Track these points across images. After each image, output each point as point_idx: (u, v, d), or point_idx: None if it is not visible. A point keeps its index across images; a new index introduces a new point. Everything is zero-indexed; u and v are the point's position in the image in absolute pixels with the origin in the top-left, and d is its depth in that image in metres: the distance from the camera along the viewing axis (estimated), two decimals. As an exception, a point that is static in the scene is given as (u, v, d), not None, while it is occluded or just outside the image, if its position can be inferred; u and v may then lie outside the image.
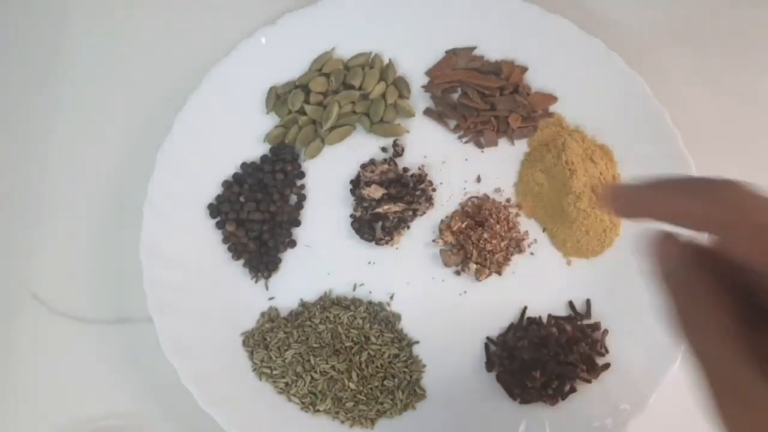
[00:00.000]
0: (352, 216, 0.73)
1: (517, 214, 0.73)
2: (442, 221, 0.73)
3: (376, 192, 0.72)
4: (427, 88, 0.76)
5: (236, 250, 0.72)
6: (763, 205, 0.30)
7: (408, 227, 0.73)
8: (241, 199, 0.72)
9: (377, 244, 0.72)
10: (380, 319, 0.70)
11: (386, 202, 0.72)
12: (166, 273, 0.69)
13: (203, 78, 0.72)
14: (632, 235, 0.71)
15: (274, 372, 0.68)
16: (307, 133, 0.75)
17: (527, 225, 0.73)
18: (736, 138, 0.76)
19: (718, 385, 0.30)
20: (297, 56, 0.76)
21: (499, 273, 0.71)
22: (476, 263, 0.71)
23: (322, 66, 0.76)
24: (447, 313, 0.71)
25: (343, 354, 0.68)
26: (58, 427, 0.70)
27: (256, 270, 0.72)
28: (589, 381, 0.67)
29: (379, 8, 0.75)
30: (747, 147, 0.76)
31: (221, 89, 0.73)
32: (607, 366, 0.68)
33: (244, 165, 0.74)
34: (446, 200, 0.74)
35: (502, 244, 0.71)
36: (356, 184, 0.73)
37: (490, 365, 0.69)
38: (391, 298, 0.71)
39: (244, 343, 0.70)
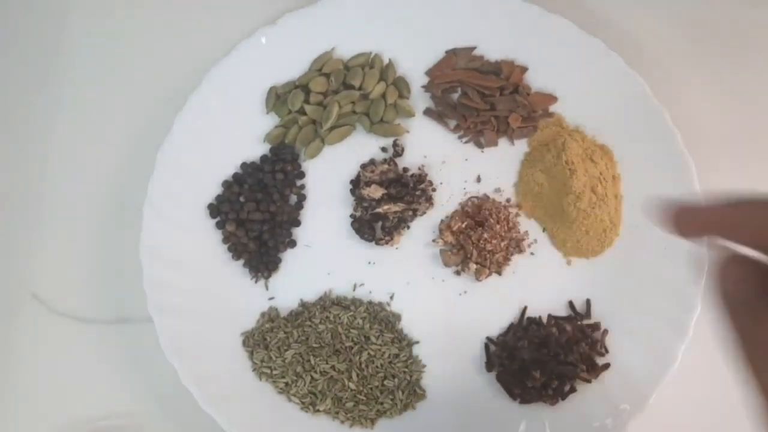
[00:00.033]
0: (352, 216, 0.73)
1: (517, 214, 0.73)
2: (442, 221, 0.73)
3: (376, 192, 0.72)
4: (427, 88, 0.76)
5: (236, 250, 0.72)
6: None
7: (408, 227, 0.73)
8: (241, 199, 0.72)
9: (377, 244, 0.72)
10: (380, 319, 0.70)
11: (386, 202, 0.72)
12: (166, 273, 0.69)
13: (203, 78, 0.72)
14: (632, 235, 0.71)
15: (274, 372, 0.68)
16: (307, 133, 0.75)
17: (527, 225, 0.73)
18: (736, 138, 0.76)
19: None
20: (297, 56, 0.76)
21: (499, 273, 0.71)
22: (476, 263, 0.71)
23: (322, 66, 0.76)
24: (447, 313, 0.71)
25: (343, 354, 0.68)
26: (58, 427, 0.70)
27: (256, 270, 0.72)
28: (589, 381, 0.67)
29: (379, 8, 0.75)
30: (747, 147, 0.76)
31: (221, 89, 0.73)
32: (607, 366, 0.68)
33: (244, 165, 0.74)
34: (446, 200, 0.74)
35: (502, 244, 0.71)
36: (356, 184, 0.73)
37: (490, 365, 0.69)
38: (391, 298, 0.71)
39: (244, 343, 0.70)
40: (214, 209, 0.72)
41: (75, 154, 0.77)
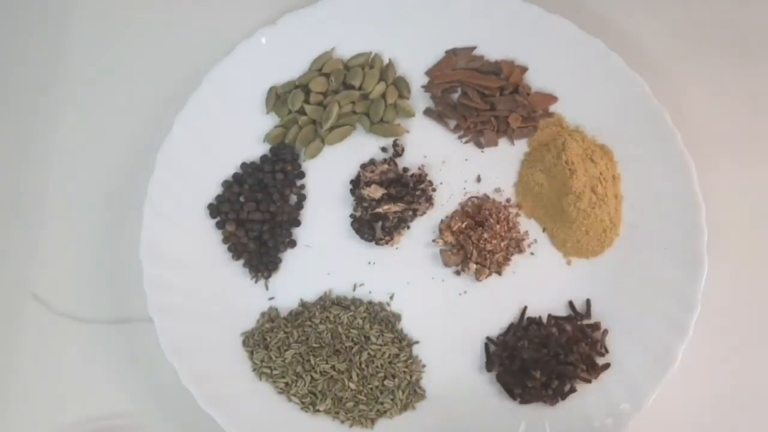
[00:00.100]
0: (352, 216, 0.73)
1: (517, 214, 0.73)
2: (442, 221, 0.73)
3: (376, 192, 0.72)
4: (427, 88, 0.76)
5: (236, 250, 0.72)
6: None
7: (408, 227, 0.73)
8: (241, 199, 0.72)
9: (377, 244, 0.72)
10: (380, 319, 0.70)
11: (386, 202, 0.72)
12: (166, 273, 0.69)
13: (203, 78, 0.73)
14: (632, 235, 0.71)
15: (274, 372, 0.68)
16: (307, 133, 0.75)
17: (527, 225, 0.73)
18: (736, 138, 0.76)
19: None
20: (297, 56, 0.76)
21: (499, 273, 0.71)
22: (476, 263, 0.71)
23: (322, 66, 0.76)
24: (447, 313, 0.71)
25: (343, 354, 0.68)
26: (58, 427, 0.70)
27: (256, 270, 0.72)
28: (589, 381, 0.67)
29: (379, 8, 0.75)
30: (747, 147, 0.76)
31: (221, 89, 0.73)
32: (607, 366, 0.68)
33: (244, 165, 0.74)
34: (446, 200, 0.74)
35: (502, 244, 0.71)
36: (356, 184, 0.73)
37: (490, 365, 0.69)
38: (391, 298, 0.71)
39: (244, 343, 0.70)
40: (214, 209, 0.72)
41: (75, 154, 0.77)
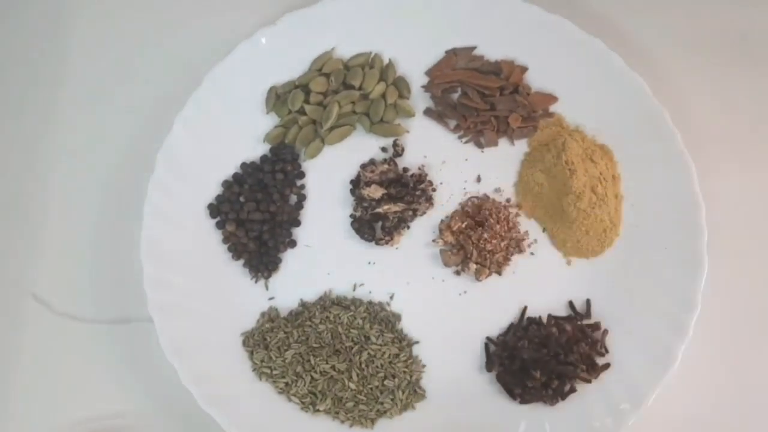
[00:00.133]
0: (352, 216, 0.73)
1: (517, 214, 0.73)
2: (442, 221, 0.73)
3: (376, 192, 0.72)
4: (427, 88, 0.76)
5: (236, 250, 0.72)
6: None
7: (408, 227, 0.73)
8: (241, 199, 0.72)
9: (377, 244, 0.72)
10: (380, 319, 0.70)
11: (386, 202, 0.72)
12: (166, 273, 0.69)
13: (203, 78, 0.73)
14: (632, 235, 0.71)
15: (274, 372, 0.68)
16: (307, 133, 0.75)
17: (527, 225, 0.73)
18: (736, 138, 0.76)
19: None
20: (297, 56, 0.76)
21: (499, 273, 0.71)
22: (476, 263, 0.71)
23: (322, 66, 0.76)
24: (447, 313, 0.71)
25: (343, 354, 0.68)
26: (58, 427, 0.70)
27: (256, 270, 0.72)
28: (589, 381, 0.67)
29: (379, 8, 0.75)
30: (747, 147, 0.76)
31: (221, 89, 0.73)
32: (607, 366, 0.68)
33: (244, 165, 0.74)
34: (446, 200, 0.74)
35: (502, 244, 0.71)
36: (356, 184, 0.73)
37: (490, 365, 0.69)
38: (391, 298, 0.71)
39: (244, 343, 0.70)
40: (214, 209, 0.72)
41: (75, 154, 0.77)
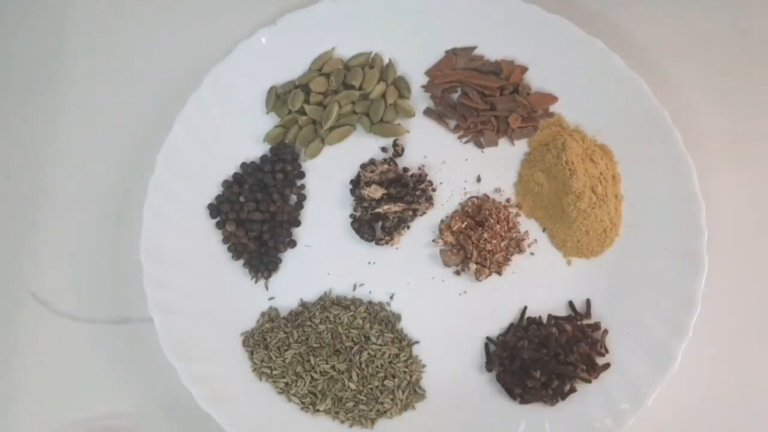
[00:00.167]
0: (352, 216, 0.73)
1: (517, 214, 0.73)
2: (442, 221, 0.73)
3: (376, 192, 0.72)
4: (427, 88, 0.76)
5: (236, 250, 0.72)
6: None
7: (408, 227, 0.73)
8: (241, 199, 0.72)
9: (377, 244, 0.72)
10: (380, 319, 0.70)
11: (386, 202, 0.72)
12: (166, 273, 0.69)
13: (203, 78, 0.73)
14: (632, 235, 0.71)
15: (274, 372, 0.68)
16: (307, 133, 0.75)
17: (527, 225, 0.73)
18: (736, 138, 0.76)
19: None
20: (297, 56, 0.76)
21: (499, 273, 0.71)
22: (476, 263, 0.71)
23: (322, 66, 0.76)
24: (447, 313, 0.71)
25: (343, 354, 0.68)
26: (58, 427, 0.70)
27: (256, 270, 0.72)
28: (589, 381, 0.67)
29: (379, 8, 0.75)
30: (747, 147, 0.76)
31: (221, 89, 0.73)
32: (607, 366, 0.68)
33: (244, 165, 0.74)
34: (446, 200, 0.74)
35: (502, 244, 0.71)
36: (356, 184, 0.73)
37: (490, 365, 0.69)
38: (391, 298, 0.71)
39: (244, 343, 0.70)
40: (214, 209, 0.72)
41: (75, 154, 0.77)
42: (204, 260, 0.71)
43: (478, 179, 0.74)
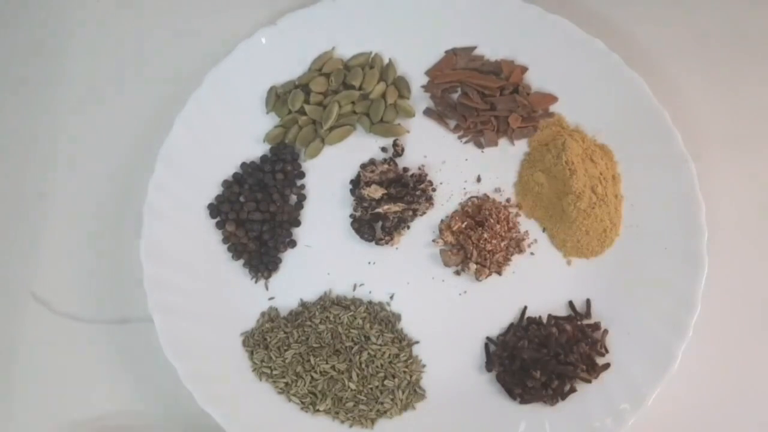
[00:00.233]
0: (352, 216, 0.73)
1: (517, 214, 0.73)
2: (442, 221, 0.73)
3: (376, 192, 0.72)
4: (427, 88, 0.76)
5: (236, 250, 0.72)
6: None
7: (408, 227, 0.73)
8: (241, 199, 0.72)
9: (377, 244, 0.72)
10: (380, 319, 0.70)
11: (386, 202, 0.72)
12: (166, 273, 0.69)
13: (203, 78, 0.73)
14: (632, 235, 0.71)
15: (274, 372, 0.68)
16: (307, 133, 0.75)
17: (527, 225, 0.73)
18: (736, 138, 0.76)
19: None
20: (297, 56, 0.76)
21: (499, 273, 0.71)
22: (476, 263, 0.71)
23: (322, 66, 0.76)
24: (447, 313, 0.71)
25: (343, 354, 0.68)
26: (58, 427, 0.70)
27: (256, 270, 0.72)
28: (589, 381, 0.67)
29: (379, 8, 0.75)
30: (747, 147, 0.76)
31: (221, 89, 0.73)
32: (607, 366, 0.68)
33: (244, 165, 0.74)
34: (446, 200, 0.74)
35: (502, 244, 0.71)
36: (356, 184, 0.73)
37: (490, 365, 0.69)
38: (391, 298, 0.71)
39: (244, 343, 0.70)
40: (214, 209, 0.72)
41: (75, 154, 0.77)
42: (204, 260, 0.71)
43: (478, 179, 0.74)
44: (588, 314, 0.70)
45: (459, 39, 0.76)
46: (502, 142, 0.75)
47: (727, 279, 0.71)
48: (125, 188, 0.75)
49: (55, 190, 0.76)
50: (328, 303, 0.71)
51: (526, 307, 0.71)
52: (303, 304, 0.71)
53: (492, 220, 0.71)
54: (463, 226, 0.72)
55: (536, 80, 0.75)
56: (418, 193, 0.72)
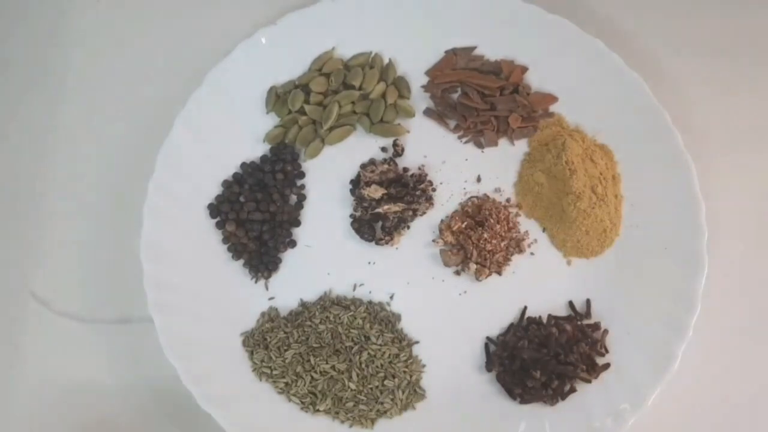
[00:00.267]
0: (352, 216, 0.73)
1: (517, 214, 0.73)
2: (442, 221, 0.73)
3: (376, 192, 0.72)
4: (427, 88, 0.76)
5: (236, 250, 0.72)
6: None
7: (408, 227, 0.73)
8: (241, 199, 0.72)
9: (377, 244, 0.72)
10: (380, 319, 0.70)
11: (386, 202, 0.72)
12: (166, 273, 0.69)
13: (203, 78, 0.73)
14: (632, 235, 0.71)
15: (274, 372, 0.68)
16: (307, 133, 0.75)
17: (527, 225, 0.73)
18: (736, 138, 0.76)
19: None
20: (297, 56, 0.76)
21: (499, 273, 0.71)
22: (476, 263, 0.71)
23: (322, 66, 0.76)
24: (447, 313, 0.71)
25: (343, 354, 0.68)
26: (58, 427, 0.70)
27: (256, 270, 0.72)
28: (589, 381, 0.67)
29: (379, 8, 0.75)
30: (747, 147, 0.76)
31: (221, 89, 0.73)
32: (607, 366, 0.68)
33: (244, 165, 0.74)
34: (446, 200, 0.74)
35: (502, 244, 0.71)
36: (356, 184, 0.73)
37: (490, 365, 0.69)
38: (391, 298, 0.71)
39: (244, 343, 0.70)
40: (214, 209, 0.72)
41: (75, 154, 0.77)
42: (204, 260, 0.71)
43: (478, 179, 0.74)
44: (588, 314, 0.70)
45: (459, 39, 0.76)
46: (502, 142, 0.75)
47: (727, 279, 0.71)
48: (125, 188, 0.75)
49: (56, 190, 0.76)
50: (328, 303, 0.71)
51: (526, 307, 0.71)
52: (303, 304, 0.71)
53: (492, 220, 0.71)
54: (463, 226, 0.72)
55: (536, 80, 0.75)
56: (418, 193, 0.72)
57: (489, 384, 0.69)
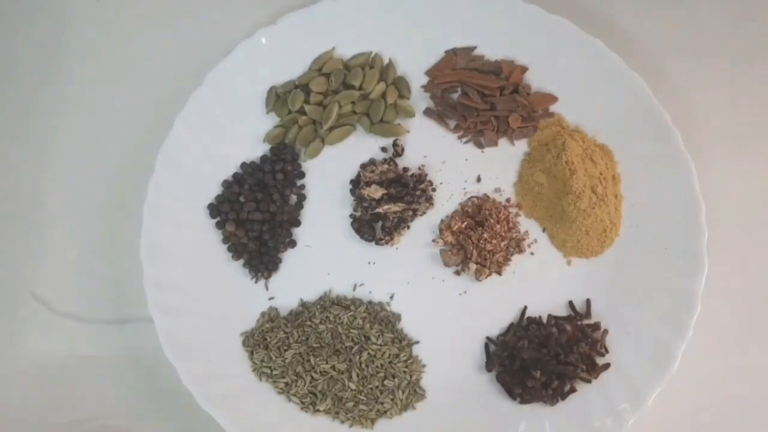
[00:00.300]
0: (352, 216, 0.73)
1: (517, 214, 0.73)
2: (442, 221, 0.73)
3: (376, 192, 0.72)
4: (427, 88, 0.76)
5: (236, 250, 0.72)
6: None
7: (408, 227, 0.73)
8: (241, 199, 0.72)
9: (377, 244, 0.72)
10: (380, 319, 0.70)
11: (386, 202, 0.72)
12: (166, 273, 0.69)
13: (203, 78, 0.73)
14: (632, 235, 0.71)
15: (274, 372, 0.68)
16: (307, 133, 0.75)
17: (527, 225, 0.73)
18: (736, 138, 0.76)
19: None
20: (297, 56, 0.76)
21: (499, 273, 0.71)
22: (476, 263, 0.71)
23: (322, 66, 0.76)
24: (447, 313, 0.71)
25: (343, 354, 0.68)
26: (58, 427, 0.70)
27: (256, 270, 0.72)
28: (589, 381, 0.67)
29: (379, 8, 0.75)
30: (747, 147, 0.76)
31: (221, 89, 0.73)
32: (607, 366, 0.68)
33: (244, 165, 0.74)
34: (446, 200, 0.74)
35: (502, 244, 0.71)
36: (356, 184, 0.73)
37: (490, 365, 0.69)
38: (391, 298, 0.71)
39: (244, 343, 0.70)
40: (214, 209, 0.72)
41: (75, 154, 0.77)
42: (204, 260, 0.71)
43: (478, 179, 0.74)
44: (588, 314, 0.70)
45: (459, 39, 0.76)
46: (502, 142, 0.75)
47: (727, 279, 0.71)
48: (125, 188, 0.75)
49: (56, 190, 0.76)
50: (328, 303, 0.71)
51: (526, 307, 0.71)
52: (303, 304, 0.71)
53: (492, 220, 0.71)
54: (463, 226, 0.72)
55: (536, 80, 0.75)
56: (418, 193, 0.72)
57: (489, 384, 0.69)
